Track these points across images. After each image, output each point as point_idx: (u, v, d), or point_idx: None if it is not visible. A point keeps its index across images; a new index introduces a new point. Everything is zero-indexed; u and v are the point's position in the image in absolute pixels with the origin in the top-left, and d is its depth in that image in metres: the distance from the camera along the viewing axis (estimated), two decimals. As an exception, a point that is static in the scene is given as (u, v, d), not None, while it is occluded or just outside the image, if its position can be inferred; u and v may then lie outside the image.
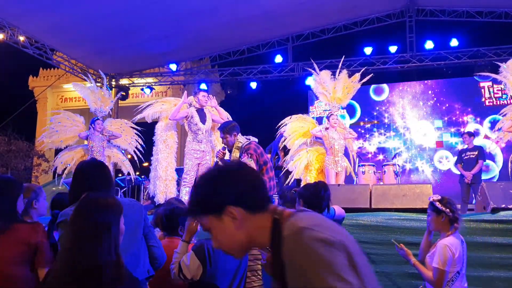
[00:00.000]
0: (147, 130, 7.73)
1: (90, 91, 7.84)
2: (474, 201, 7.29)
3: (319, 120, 7.77)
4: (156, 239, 2.47)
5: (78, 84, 8.07)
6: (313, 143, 7.37)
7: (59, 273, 1.62)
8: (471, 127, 11.74)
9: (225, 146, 5.14)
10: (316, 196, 2.67)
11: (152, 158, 7.25)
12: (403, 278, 4.15)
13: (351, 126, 10.75)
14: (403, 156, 12.09)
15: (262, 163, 5.05)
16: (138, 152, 8.00)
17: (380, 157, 12.22)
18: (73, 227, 1.68)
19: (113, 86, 12.88)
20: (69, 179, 7.44)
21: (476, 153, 7.76)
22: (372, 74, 8.04)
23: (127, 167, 7.97)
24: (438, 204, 3.01)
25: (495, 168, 11.39)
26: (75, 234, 1.65)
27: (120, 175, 10.41)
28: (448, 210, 2.99)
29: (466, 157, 7.85)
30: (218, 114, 6.65)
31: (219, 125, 5.65)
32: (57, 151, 8.08)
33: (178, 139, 7.31)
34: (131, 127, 8.07)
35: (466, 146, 8.18)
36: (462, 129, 11.77)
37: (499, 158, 11.33)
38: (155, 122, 7.41)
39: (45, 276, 1.75)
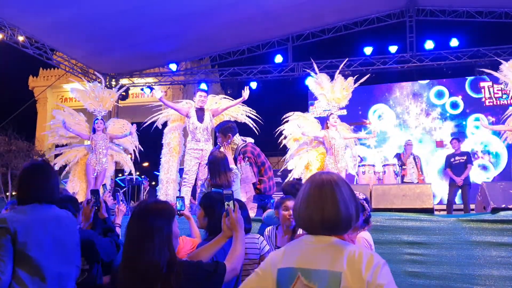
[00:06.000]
0: (151, 132, 7.75)
1: (85, 93, 7.76)
2: (461, 202, 8.02)
3: (320, 120, 7.75)
4: None
5: (75, 87, 8.00)
6: (313, 143, 7.36)
7: (125, 269, 1.92)
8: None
9: (220, 145, 5.08)
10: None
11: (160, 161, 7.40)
12: (403, 278, 4.15)
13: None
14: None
15: (260, 164, 5.04)
16: (137, 152, 8.04)
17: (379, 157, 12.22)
18: (131, 230, 1.96)
19: (113, 86, 12.88)
20: (67, 179, 7.49)
21: (465, 158, 8.21)
22: (366, 74, 8.08)
23: (129, 166, 7.99)
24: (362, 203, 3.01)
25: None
26: (133, 236, 1.94)
27: (120, 175, 10.42)
28: (367, 211, 3.00)
29: (455, 162, 8.29)
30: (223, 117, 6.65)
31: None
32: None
33: (184, 141, 7.33)
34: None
35: (453, 151, 8.52)
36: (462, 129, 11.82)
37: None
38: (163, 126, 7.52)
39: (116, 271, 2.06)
